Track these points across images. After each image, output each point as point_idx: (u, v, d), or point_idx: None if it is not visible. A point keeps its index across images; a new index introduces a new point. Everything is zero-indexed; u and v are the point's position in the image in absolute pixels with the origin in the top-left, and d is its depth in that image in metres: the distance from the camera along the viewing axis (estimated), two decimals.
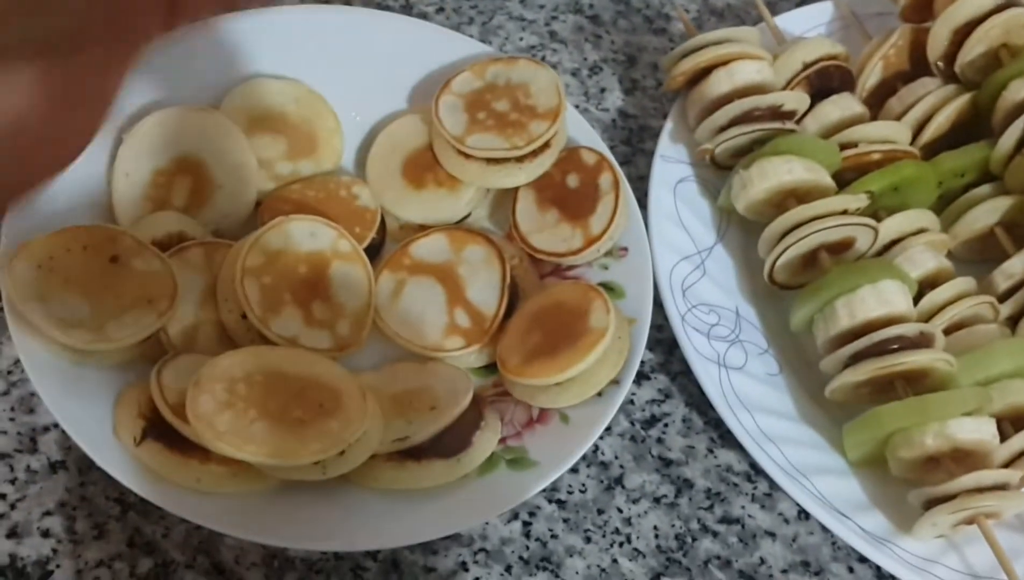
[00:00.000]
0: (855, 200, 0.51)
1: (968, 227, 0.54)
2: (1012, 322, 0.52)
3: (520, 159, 0.50)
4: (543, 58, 0.62)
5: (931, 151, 0.56)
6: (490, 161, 0.50)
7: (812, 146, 0.52)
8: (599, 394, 0.45)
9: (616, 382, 0.45)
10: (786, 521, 0.48)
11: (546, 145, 0.51)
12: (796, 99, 0.54)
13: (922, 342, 0.46)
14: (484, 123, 0.51)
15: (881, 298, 0.47)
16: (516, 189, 0.51)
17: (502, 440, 0.45)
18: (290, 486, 0.41)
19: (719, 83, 0.54)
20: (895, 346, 0.46)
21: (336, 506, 0.42)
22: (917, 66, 0.59)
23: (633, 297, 0.48)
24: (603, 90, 0.62)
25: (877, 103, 0.58)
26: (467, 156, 0.50)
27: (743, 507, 0.48)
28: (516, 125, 0.50)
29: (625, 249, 0.50)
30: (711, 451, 0.50)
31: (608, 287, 0.49)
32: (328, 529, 0.41)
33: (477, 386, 0.46)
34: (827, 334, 0.48)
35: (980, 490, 0.43)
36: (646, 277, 0.49)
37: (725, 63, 0.54)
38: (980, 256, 0.55)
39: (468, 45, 0.55)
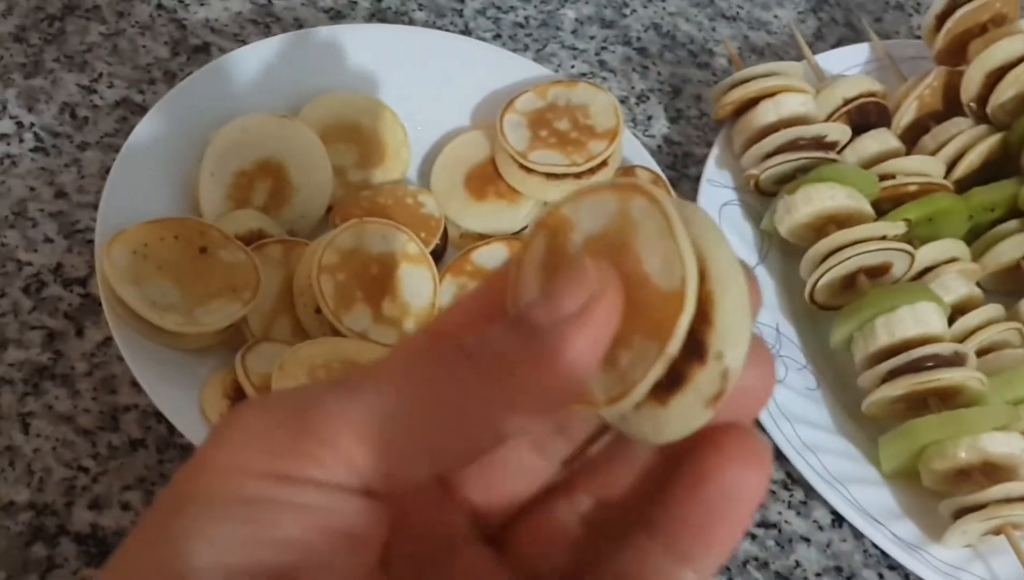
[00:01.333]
0: (893, 227, 0.54)
1: (996, 259, 0.57)
2: None
3: (579, 175, 0.53)
4: None
5: (962, 187, 0.59)
6: (550, 176, 0.53)
7: (853, 175, 0.55)
8: None
9: None
10: (820, 528, 0.51)
11: (603, 163, 0.54)
12: (839, 131, 0.57)
13: (956, 361, 0.49)
14: (546, 140, 0.54)
15: (918, 318, 0.50)
16: None
17: None
18: None
19: (766, 113, 0.57)
20: (930, 364, 0.49)
21: None
22: (950, 106, 0.62)
23: None
24: (650, 118, 0.65)
25: (911, 139, 0.62)
26: (529, 170, 0.53)
27: (780, 513, 0.51)
28: (576, 143, 0.54)
29: None
30: None
31: None
32: None
33: None
34: (866, 351, 0.51)
35: (1009, 501, 0.46)
36: None
37: (772, 95, 0.57)
38: (1007, 287, 0.58)
39: (527, 67, 0.58)
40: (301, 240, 0.50)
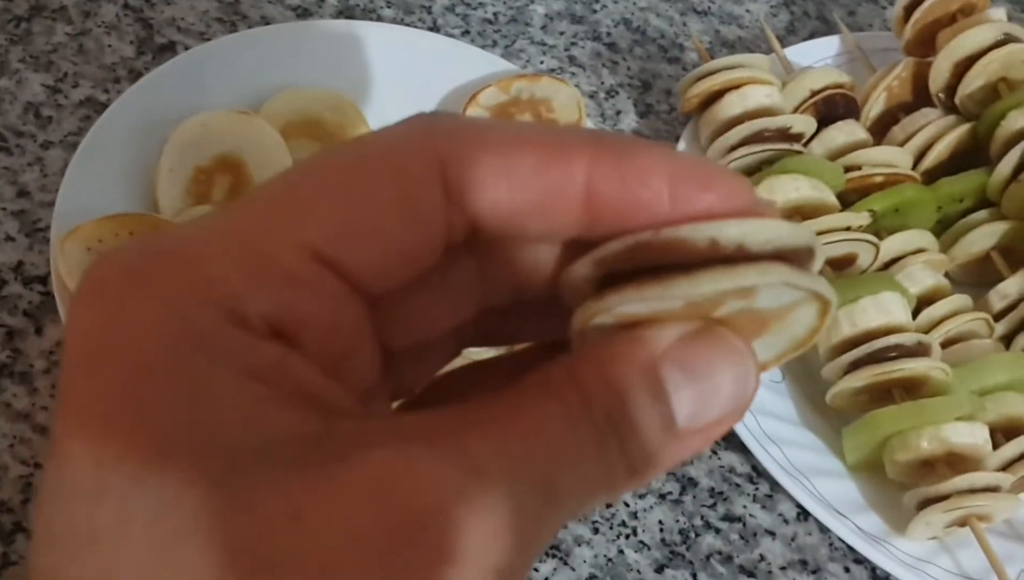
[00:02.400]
0: (858, 218, 0.53)
1: (965, 250, 0.57)
2: (1006, 340, 0.54)
3: None
4: None
5: (931, 177, 0.59)
6: None
7: (818, 167, 0.55)
8: None
9: None
10: (785, 521, 0.50)
11: None
12: (804, 122, 0.57)
13: (919, 351, 0.49)
14: None
15: (881, 309, 0.50)
16: None
17: None
18: None
19: (731, 105, 0.57)
20: (893, 354, 0.49)
21: None
22: (919, 97, 0.62)
23: None
24: (619, 112, 0.65)
25: (880, 131, 0.61)
26: None
27: (744, 507, 0.50)
28: None
29: None
30: (715, 453, 0.52)
31: None
32: None
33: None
34: (829, 342, 0.50)
35: (972, 491, 0.45)
36: None
37: (738, 87, 0.57)
38: (977, 278, 0.58)
39: (493, 62, 0.58)
40: None
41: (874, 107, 0.61)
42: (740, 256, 0.17)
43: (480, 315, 0.21)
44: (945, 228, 0.58)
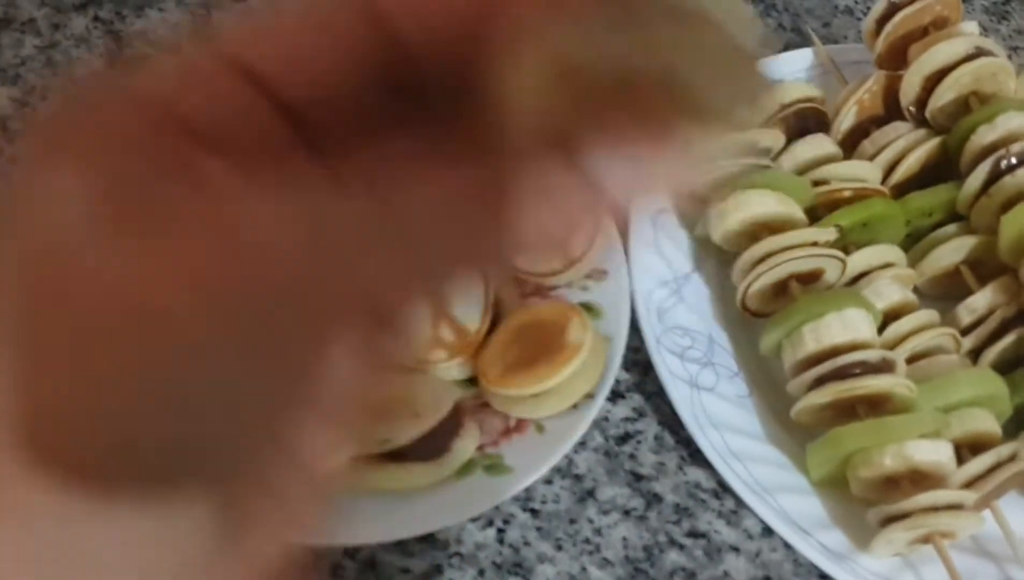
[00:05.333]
0: (825, 233, 0.53)
1: (934, 264, 0.57)
2: (974, 355, 0.54)
3: None
4: None
5: (901, 191, 0.59)
6: None
7: (786, 181, 0.55)
8: (574, 406, 0.47)
9: (590, 396, 0.47)
10: (750, 537, 0.50)
11: None
12: (771, 137, 0.57)
13: (884, 367, 0.49)
14: None
15: (846, 325, 0.49)
16: None
17: (480, 447, 0.47)
18: None
19: None
20: (858, 370, 0.49)
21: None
22: (890, 111, 0.62)
23: (610, 317, 0.51)
24: None
25: (851, 145, 0.61)
26: None
27: (709, 523, 0.50)
28: None
29: (605, 272, 0.53)
30: (681, 468, 0.52)
31: (587, 307, 0.51)
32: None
33: (459, 397, 0.48)
34: (794, 358, 0.50)
35: (935, 509, 0.45)
36: (623, 299, 0.51)
37: None
38: (946, 293, 0.57)
39: None
40: None
41: (845, 120, 0.61)
42: None
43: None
44: (914, 242, 0.58)
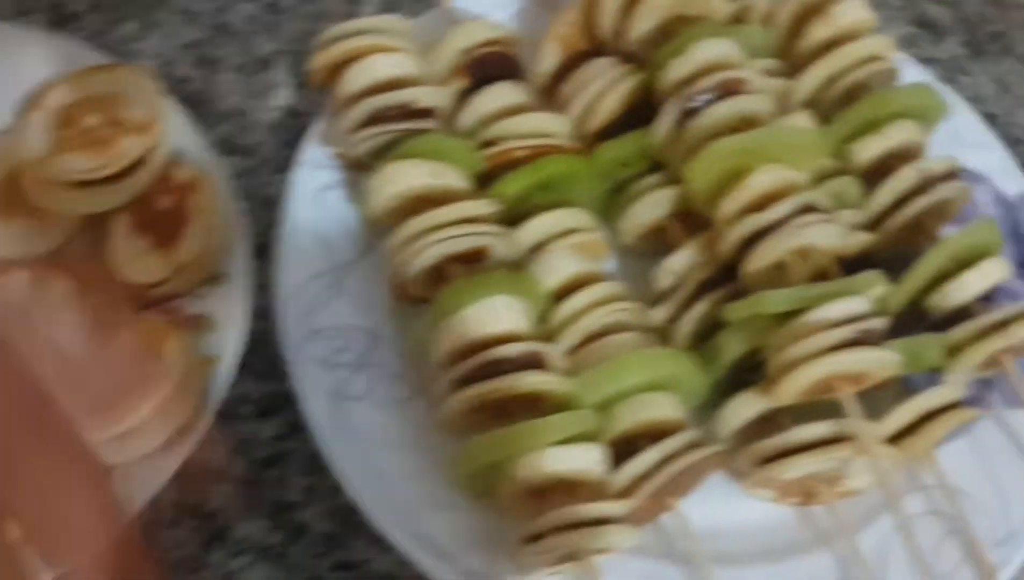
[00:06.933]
0: (486, 205, 0.46)
1: (634, 221, 0.50)
2: (673, 322, 0.47)
3: (110, 179, 0.45)
4: (204, 56, 0.57)
5: (605, 140, 0.52)
6: (79, 185, 0.45)
7: (446, 146, 0.48)
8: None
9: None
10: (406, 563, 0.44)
11: (140, 162, 0.46)
12: (430, 95, 0.49)
13: (531, 362, 0.42)
14: (72, 142, 0.46)
15: (490, 316, 0.43)
16: (109, 214, 0.46)
17: None
18: None
19: (353, 80, 0.49)
20: (507, 367, 0.42)
21: None
22: (599, 46, 0.54)
23: (224, 331, 0.44)
24: (271, 87, 0.57)
25: (556, 90, 0.54)
26: (52, 180, 0.45)
27: (364, 550, 0.44)
28: (106, 142, 0.46)
29: (228, 276, 0.46)
30: (338, 490, 0.46)
31: (201, 319, 0.44)
32: None
33: None
34: (436, 358, 0.44)
35: (577, 525, 0.39)
36: (241, 308, 0.44)
37: (358, 57, 0.49)
38: (660, 251, 0.51)
39: (84, 56, 0.50)
40: None
41: (545, 61, 0.54)
42: None
43: None
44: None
